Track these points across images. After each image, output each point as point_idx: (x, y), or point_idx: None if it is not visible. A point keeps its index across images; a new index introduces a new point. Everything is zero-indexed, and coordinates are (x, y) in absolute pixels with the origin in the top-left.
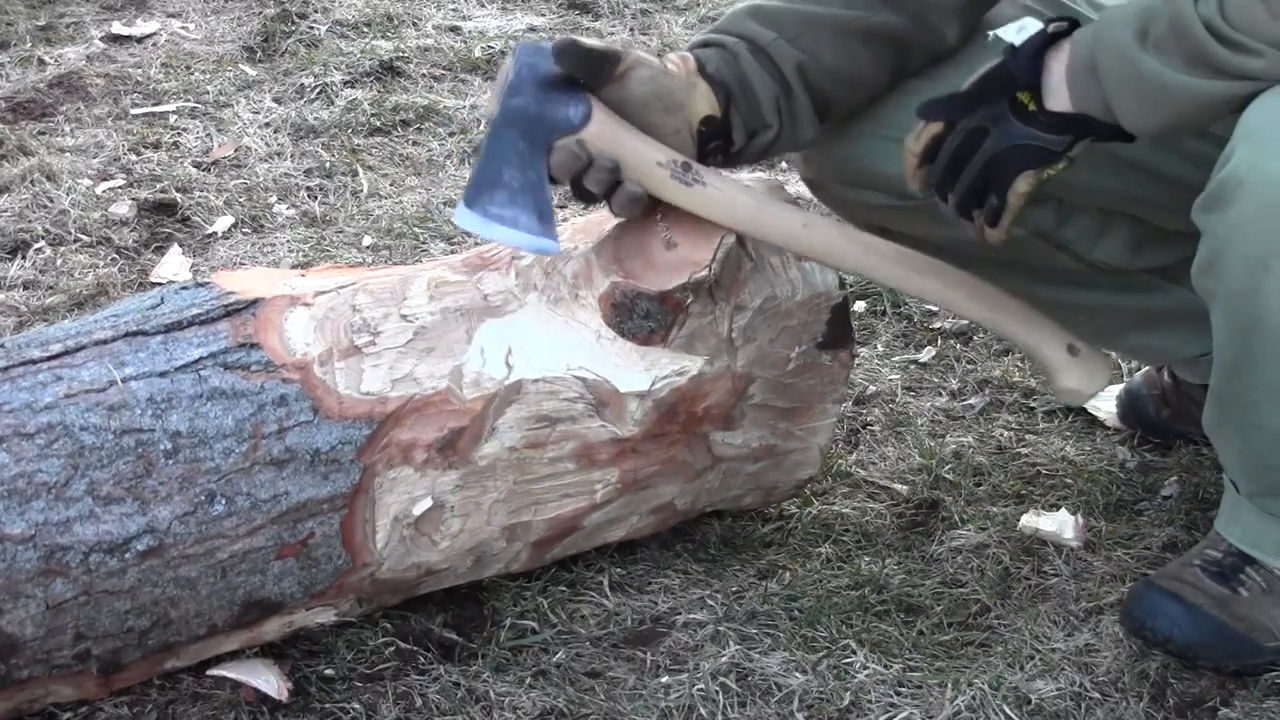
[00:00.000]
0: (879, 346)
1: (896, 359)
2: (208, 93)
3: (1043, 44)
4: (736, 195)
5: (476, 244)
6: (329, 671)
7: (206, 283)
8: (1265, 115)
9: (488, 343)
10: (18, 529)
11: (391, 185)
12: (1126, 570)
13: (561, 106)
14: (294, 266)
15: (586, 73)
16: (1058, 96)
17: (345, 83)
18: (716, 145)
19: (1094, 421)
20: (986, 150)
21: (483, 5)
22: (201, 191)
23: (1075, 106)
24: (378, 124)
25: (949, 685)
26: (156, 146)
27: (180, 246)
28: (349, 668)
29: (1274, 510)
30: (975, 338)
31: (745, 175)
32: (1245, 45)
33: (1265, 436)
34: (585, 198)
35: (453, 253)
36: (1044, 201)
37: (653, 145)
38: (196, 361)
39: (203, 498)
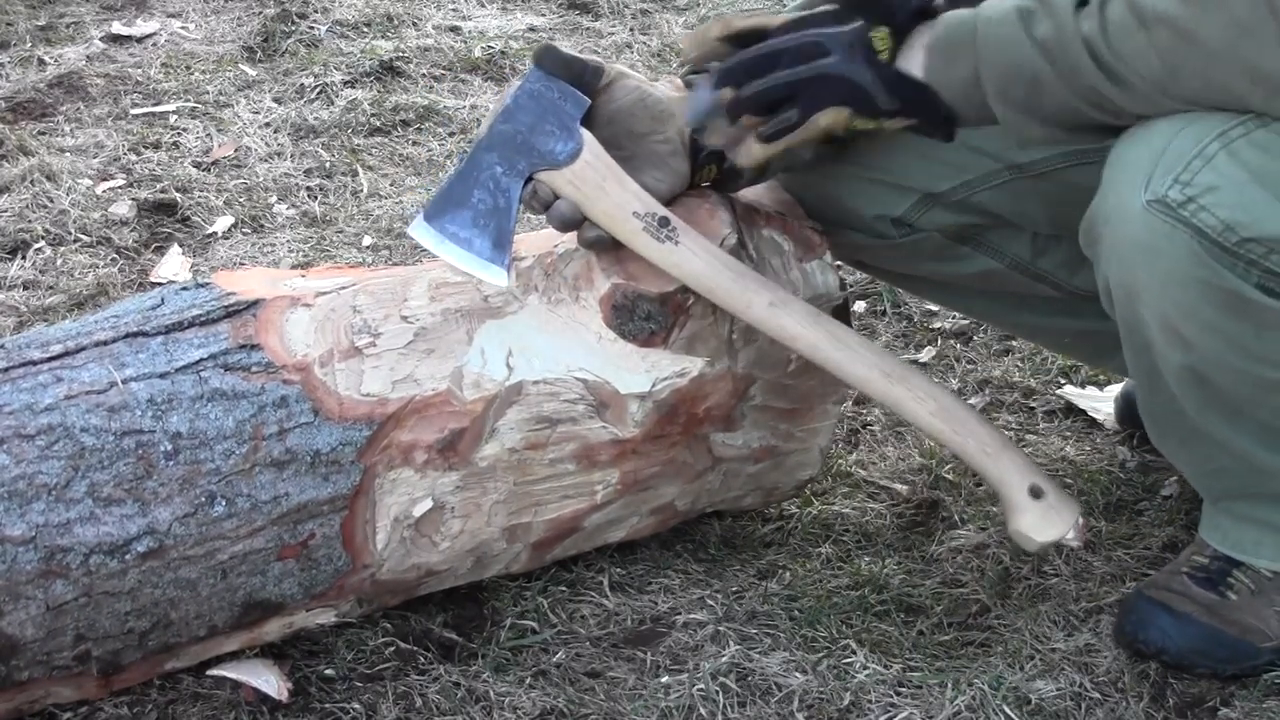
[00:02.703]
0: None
1: None
2: (208, 93)
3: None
4: (707, 260)
5: None
6: (329, 671)
7: (207, 283)
8: (1128, 149)
9: (488, 344)
10: (18, 530)
11: (391, 185)
12: (1126, 570)
13: (552, 140)
14: (294, 267)
15: (568, 78)
16: (913, 60)
17: (345, 83)
18: (708, 156)
19: (1094, 422)
20: (816, 66)
21: (483, 5)
22: (201, 191)
23: (926, 76)
24: (378, 124)
25: (949, 685)
26: (156, 146)
27: (180, 246)
28: (349, 668)
29: (1241, 513)
30: (975, 338)
31: None
32: (1120, 75)
33: (1204, 441)
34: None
35: None
36: (1017, 233)
37: (633, 195)
38: (197, 363)
39: (203, 499)
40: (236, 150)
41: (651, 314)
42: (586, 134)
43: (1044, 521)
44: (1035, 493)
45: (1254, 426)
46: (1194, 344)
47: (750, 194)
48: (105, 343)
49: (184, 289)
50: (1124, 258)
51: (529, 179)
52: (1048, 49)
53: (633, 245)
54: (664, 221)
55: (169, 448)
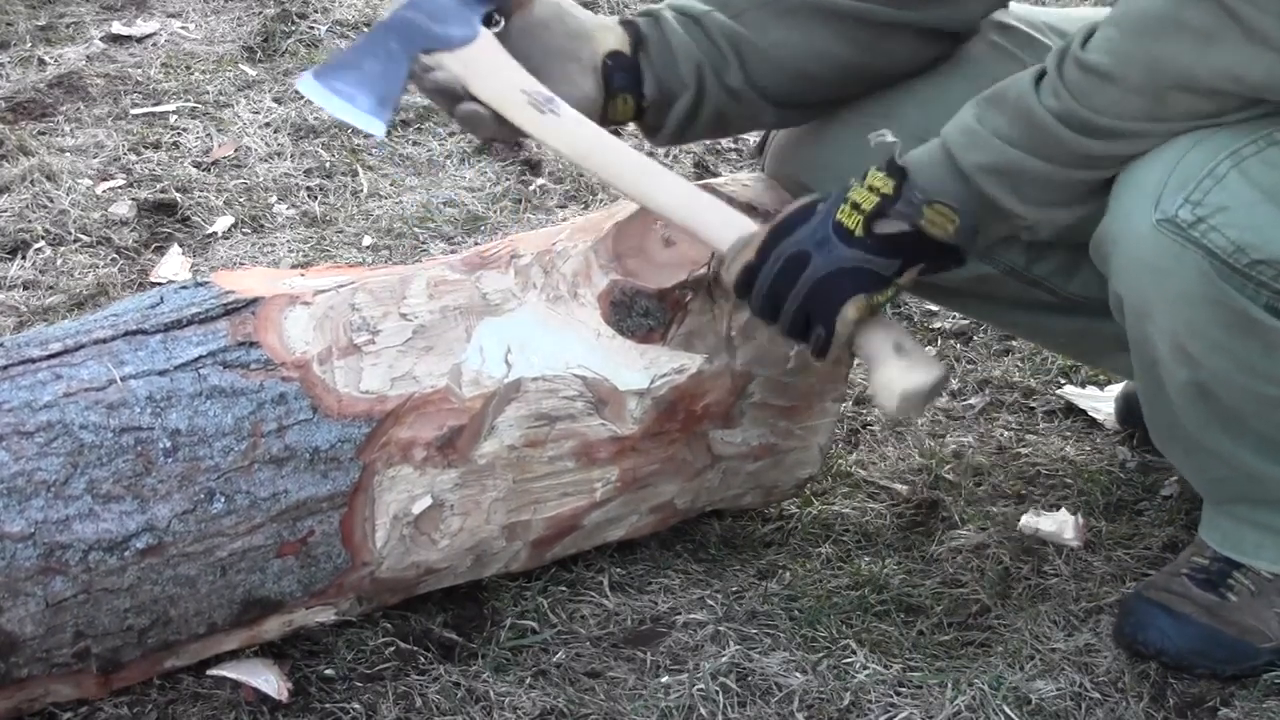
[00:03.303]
0: None
1: None
2: (208, 93)
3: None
4: (585, 132)
5: (475, 244)
6: (329, 671)
7: (206, 282)
8: (1137, 167)
9: (487, 341)
10: (17, 527)
11: (391, 185)
12: (1126, 570)
13: (449, 26)
14: (294, 266)
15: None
16: (888, 220)
17: None
18: (622, 85)
19: (1094, 422)
20: (808, 278)
21: None
22: (201, 191)
23: (914, 225)
24: None
25: (949, 685)
26: (156, 146)
27: (180, 246)
28: (349, 668)
29: (1242, 515)
30: (975, 338)
31: (745, 176)
32: (1106, 129)
33: (1204, 452)
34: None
35: (452, 253)
36: (1012, 240)
37: (523, 76)
38: (196, 360)
39: (202, 496)
40: (236, 150)
41: (650, 310)
42: (484, 29)
43: (904, 374)
44: (899, 349)
45: (1254, 439)
46: (1200, 362)
47: (749, 193)
48: (104, 340)
49: (183, 288)
50: (1134, 278)
51: (421, 58)
52: (1024, 142)
53: (515, 118)
54: (548, 99)
55: (168, 445)
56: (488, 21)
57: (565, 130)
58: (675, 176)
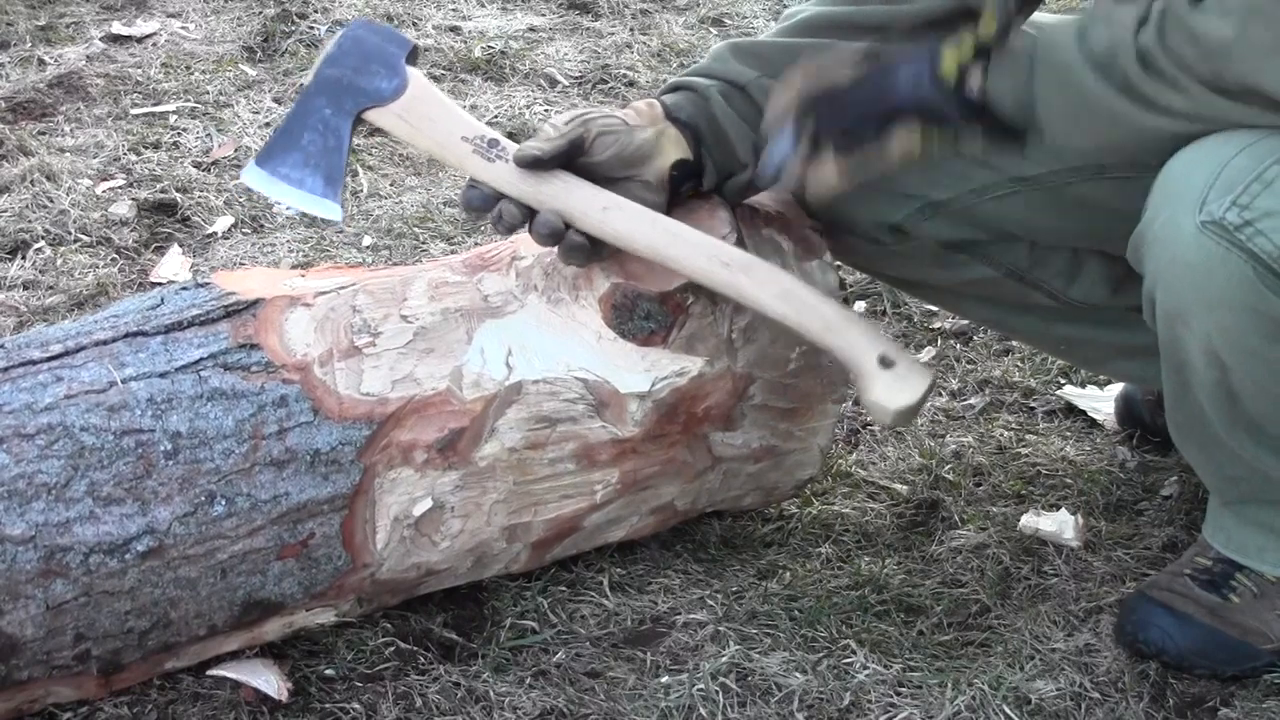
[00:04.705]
0: None
1: None
2: (208, 93)
3: None
4: (536, 175)
5: (476, 244)
6: (329, 671)
7: (206, 283)
8: (1182, 168)
9: (488, 343)
10: (18, 530)
11: (391, 185)
12: (1126, 570)
13: (377, 79)
14: (294, 267)
15: (565, 165)
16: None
17: None
18: (690, 186)
19: (1094, 422)
20: (888, 91)
21: (483, 5)
22: (201, 191)
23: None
24: None
25: (949, 685)
26: (156, 146)
27: (180, 246)
28: (349, 668)
29: (1251, 516)
30: (975, 338)
31: None
32: (1172, 78)
33: (1222, 451)
34: None
35: (453, 253)
36: (1014, 243)
37: (461, 121)
38: (197, 362)
39: (203, 498)
40: (236, 150)
41: (651, 313)
42: (413, 70)
43: (895, 389)
44: (885, 362)
45: (1276, 443)
46: (1232, 367)
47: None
48: (105, 342)
49: (184, 289)
50: (1172, 280)
51: (359, 119)
52: (1095, 55)
53: (465, 168)
54: (493, 143)
55: (169, 447)
56: (413, 58)
57: (514, 175)
58: (641, 209)
